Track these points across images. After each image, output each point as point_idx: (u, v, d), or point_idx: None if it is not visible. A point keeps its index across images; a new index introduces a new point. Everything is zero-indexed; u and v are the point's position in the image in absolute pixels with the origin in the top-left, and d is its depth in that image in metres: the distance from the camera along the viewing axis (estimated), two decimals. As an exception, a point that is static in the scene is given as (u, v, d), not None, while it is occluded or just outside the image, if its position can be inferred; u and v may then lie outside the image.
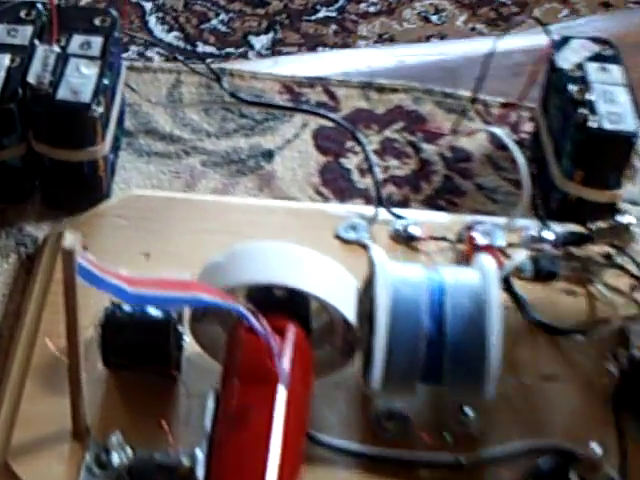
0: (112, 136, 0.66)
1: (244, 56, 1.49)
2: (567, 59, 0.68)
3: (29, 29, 0.65)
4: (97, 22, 0.67)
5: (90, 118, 0.62)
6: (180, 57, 0.76)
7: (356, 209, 0.67)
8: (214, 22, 1.57)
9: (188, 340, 0.56)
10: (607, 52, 0.70)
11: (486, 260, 0.55)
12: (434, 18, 1.63)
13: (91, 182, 0.65)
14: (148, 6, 1.57)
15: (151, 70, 0.76)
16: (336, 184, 0.71)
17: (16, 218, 0.66)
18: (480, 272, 0.55)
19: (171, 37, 1.53)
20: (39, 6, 0.66)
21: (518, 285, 0.62)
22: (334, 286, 0.53)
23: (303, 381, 0.51)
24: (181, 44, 1.52)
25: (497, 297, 0.53)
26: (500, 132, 0.67)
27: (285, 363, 0.49)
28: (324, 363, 0.55)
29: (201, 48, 1.50)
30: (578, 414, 0.57)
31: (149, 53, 1.45)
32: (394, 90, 0.76)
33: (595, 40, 0.70)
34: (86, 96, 0.62)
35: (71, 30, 0.65)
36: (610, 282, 0.63)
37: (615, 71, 0.68)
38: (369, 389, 0.54)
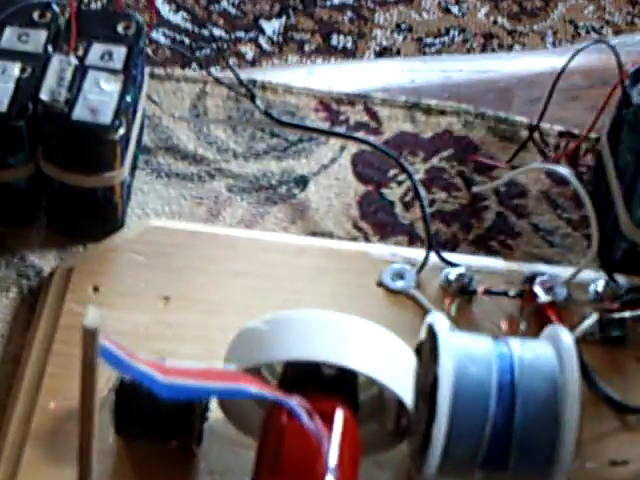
0: (131, 158, 0.58)
1: (255, 41, 1.40)
2: (644, 94, 0.61)
3: (43, 34, 0.57)
4: (120, 29, 0.59)
5: (110, 141, 0.54)
6: (204, 67, 0.67)
7: (402, 252, 0.59)
8: (224, 3, 1.49)
9: (213, 409, 0.49)
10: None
11: (563, 333, 0.48)
12: (454, 9, 1.55)
13: (105, 210, 0.58)
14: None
15: (173, 79, 0.68)
16: (377, 218, 0.63)
17: (18, 244, 0.59)
18: (555, 348, 0.48)
19: (178, 18, 1.45)
20: (55, 7, 0.58)
21: (583, 351, 0.55)
22: (388, 363, 0.46)
23: (351, 472, 0.44)
24: (189, 26, 1.44)
25: (576, 381, 0.46)
26: (566, 172, 0.59)
27: (334, 459, 0.42)
28: (369, 443, 0.48)
29: (209, 31, 1.42)
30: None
31: (154, 35, 1.37)
32: (442, 112, 0.69)
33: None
34: (106, 117, 0.54)
35: (91, 38, 0.57)
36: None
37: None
38: (421, 476, 0.47)
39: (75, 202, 0.57)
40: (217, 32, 1.44)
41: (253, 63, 1.41)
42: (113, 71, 0.56)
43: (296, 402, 0.39)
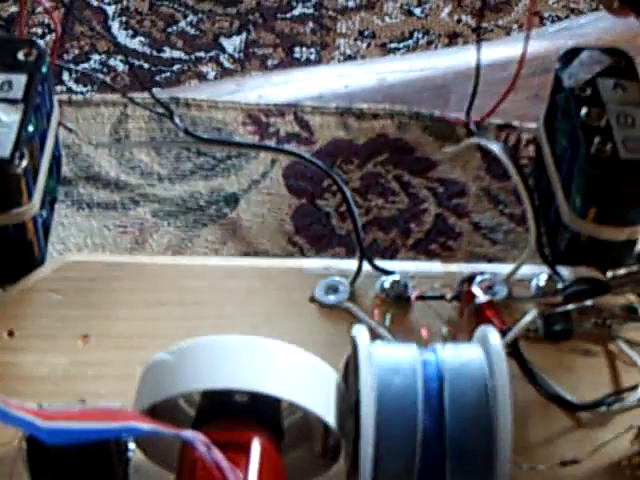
0: (42, 191, 0.55)
1: (216, 60, 1.37)
2: (575, 75, 0.58)
3: None
4: (21, 56, 0.56)
5: (12, 176, 0.52)
6: (121, 88, 0.64)
7: (336, 264, 0.57)
8: (182, 24, 1.46)
9: (134, 448, 0.46)
10: (622, 65, 0.59)
11: (491, 335, 0.45)
12: (417, 11, 1.52)
13: (20, 248, 0.55)
14: (111, 10, 1.46)
15: (92, 104, 0.65)
16: (312, 231, 0.61)
17: None
18: (484, 350, 0.45)
19: (136, 43, 1.42)
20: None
21: (526, 347, 0.52)
22: (303, 382, 0.43)
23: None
24: (147, 50, 1.41)
25: (506, 383, 0.43)
26: (497, 147, 0.57)
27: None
28: (301, 468, 0.46)
29: (168, 53, 1.40)
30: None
31: (112, 62, 1.34)
32: (375, 116, 0.66)
33: (607, 51, 0.60)
34: (5, 150, 0.52)
35: (-12, 68, 0.55)
36: (634, 338, 0.54)
37: (632, 87, 0.58)
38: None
39: (-15, 243, 0.55)
40: (176, 54, 1.42)
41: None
42: (12, 101, 0.54)
43: (191, 435, 0.36)
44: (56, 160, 0.60)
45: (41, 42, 0.57)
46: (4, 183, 0.52)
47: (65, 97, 0.65)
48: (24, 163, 0.52)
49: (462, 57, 0.74)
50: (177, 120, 0.62)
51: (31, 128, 0.54)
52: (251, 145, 0.63)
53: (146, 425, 0.36)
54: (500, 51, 0.67)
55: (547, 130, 0.61)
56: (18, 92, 0.55)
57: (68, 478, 0.45)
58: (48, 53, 0.57)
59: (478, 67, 0.63)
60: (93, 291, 0.54)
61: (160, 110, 0.63)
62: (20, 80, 0.55)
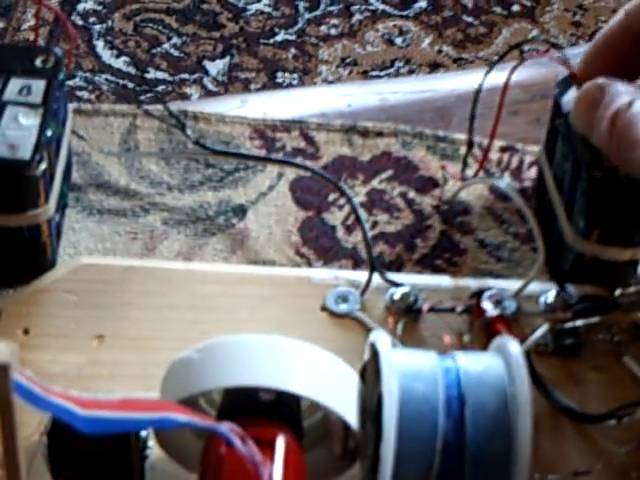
0: (57, 195, 0.56)
1: (199, 82, 1.39)
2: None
3: (-42, 71, 0.55)
4: (39, 63, 0.57)
5: (31, 177, 0.52)
6: (133, 97, 0.65)
7: (345, 274, 0.58)
8: (166, 46, 1.47)
9: (152, 445, 0.47)
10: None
11: (510, 344, 0.46)
12: (398, 40, 1.54)
13: (33, 250, 0.55)
14: (96, 29, 1.46)
15: (102, 114, 0.66)
16: (319, 243, 0.62)
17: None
18: (503, 359, 0.46)
19: (120, 63, 1.43)
20: (-30, 44, 0.56)
21: (537, 363, 0.53)
22: (327, 383, 0.44)
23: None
24: (131, 70, 1.42)
25: (527, 390, 0.44)
26: (504, 184, 0.58)
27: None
28: (318, 468, 0.46)
29: (152, 74, 1.40)
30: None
31: (97, 79, 1.35)
32: (380, 134, 0.67)
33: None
34: (26, 152, 0.52)
35: (8, 72, 0.56)
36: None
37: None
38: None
39: (1, 244, 0.55)
40: (160, 75, 1.42)
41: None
42: (32, 105, 0.54)
43: (227, 428, 0.37)
44: (68, 167, 0.61)
45: (58, 50, 0.58)
46: (24, 184, 0.53)
47: (75, 106, 0.65)
48: (43, 166, 0.53)
49: (462, 81, 0.76)
50: (188, 131, 0.63)
51: (49, 132, 0.54)
52: (261, 158, 0.64)
53: (183, 416, 0.37)
54: (501, 76, 0.68)
55: (548, 154, 0.62)
56: (37, 97, 0.55)
57: (87, 473, 0.46)
58: (64, 61, 0.58)
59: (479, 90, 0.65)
60: (107, 293, 0.55)
61: (172, 122, 0.63)
62: (39, 85, 0.56)
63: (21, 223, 0.54)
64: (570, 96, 0.60)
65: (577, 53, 0.83)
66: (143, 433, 0.46)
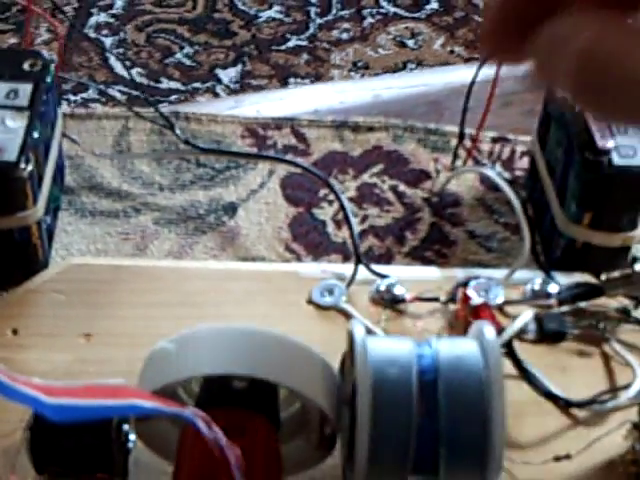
0: (46, 197, 0.57)
1: (212, 90, 1.41)
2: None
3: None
4: (26, 66, 0.58)
5: (18, 179, 0.53)
6: (125, 100, 0.66)
7: (332, 268, 0.58)
8: (178, 56, 1.49)
9: (134, 439, 0.47)
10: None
11: (486, 329, 0.47)
12: (410, 43, 1.55)
13: (25, 252, 0.56)
14: (108, 42, 1.48)
15: (95, 117, 0.67)
16: (309, 239, 0.62)
17: None
18: (479, 344, 0.46)
19: (133, 74, 1.44)
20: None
21: (521, 349, 0.53)
22: (304, 373, 0.44)
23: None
24: (144, 80, 1.43)
25: (500, 373, 0.44)
26: (492, 172, 0.58)
27: (244, 471, 0.40)
28: (298, 458, 0.47)
29: (165, 84, 1.42)
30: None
31: (111, 91, 1.36)
32: (371, 129, 0.68)
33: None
34: (12, 154, 0.53)
35: (-5, 77, 0.57)
36: (627, 339, 0.55)
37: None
38: (351, 486, 0.45)
39: (-9, 246, 0.56)
40: (173, 85, 1.44)
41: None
42: (19, 108, 0.55)
43: (192, 412, 0.37)
44: (60, 170, 0.62)
45: (46, 54, 0.59)
46: (10, 186, 0.54)
47: (68, 110, 0.66)
48: (29, 167, 0.54)
49: (455, 75, 0.76)
50: (178, 131, 0.64)
51: (36, 134, 0.55)
52: (249, 155, 0.65)
53: (149, 403, 0.37)
54: (492, 70, 0.68)
55: (540, 141, 0.62)
56: (24, 100, 0.56)
57: (70, 467, 0.46)
58: (53, 64, 0.59)
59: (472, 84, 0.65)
60: (96, 292, 0.55)
61: (161, 122, 0.64)
62: (26, 89, 0.57)
63: (10, 225, 0.55)
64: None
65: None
66: (125, 427, 0.46)
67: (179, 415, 0.37)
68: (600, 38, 0.27)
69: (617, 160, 0.56)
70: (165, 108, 0.67)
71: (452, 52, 1.57)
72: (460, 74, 0.76)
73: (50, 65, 0.58)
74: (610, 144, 0.56)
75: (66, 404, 0.36)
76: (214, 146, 0.66)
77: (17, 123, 0.55)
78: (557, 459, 0.49)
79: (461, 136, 0.66)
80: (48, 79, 0.58)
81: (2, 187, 0.54)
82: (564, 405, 0.52)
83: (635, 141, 0.57)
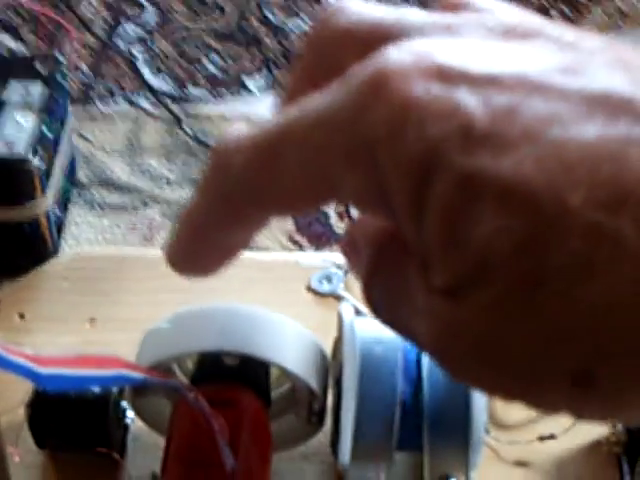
0: (56, 190, 0.59)
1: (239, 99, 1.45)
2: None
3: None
4: (39, 67, 0.61)
5: (27, 172, 0.56)
6: (132, 101, 0.69)
7: (332, 257, 0.60)
8: (206, 65, 1.52)
9: (133, 415, 0.49)
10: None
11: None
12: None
13: (34, 242, 0.59)
14: (137, 51, 1.52)
15: (108, 116, 0.69)
16: (312, 230, 0.64)
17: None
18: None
19: (161, 83, 1.48)
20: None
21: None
22: (292, 350, 0.46)
23: (257, 459, 0.44)
24: (172, 90, 1.47)
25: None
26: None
27: (232, 441, 0.42)
28: (289, 434, 0.49)
29: (193, 92, 1.45)
30: (581, 477, 0.50)
31: (135, 99, 1.40)
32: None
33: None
34: (21, 148, 0.56)
35: (8, 75, 0.59)
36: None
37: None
38: (338, 462, 0.47)
39: (2, 236, 0.58)
40: (200, 93, 1.47)
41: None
42: (30, 106, 0.58)
43: (179, 383, 0.39)
44: (71, 164, 0.64)
45: (59, 55, 0.61)
46: (20, 178, 0.56)
47: (81, 109, 0.69)
48: (37, 161, 0.56)
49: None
50: (186, 128, 0.66)
51: (46, 131, 0.58)
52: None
53: (137, 374, 0.39)
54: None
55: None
56: (35, 98, 0.59)
57: (69, 441, 0.49)
58: (65, 65, 0.62)
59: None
60: (101, 279, 0.58)
61: (172, 121, 0.67)
62: (37, 88, 0.59)
63: (20, 216, 0.58)
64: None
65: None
66: (123, 403, 0.49)
67: (165, 384, 0.39)
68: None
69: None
70: (175, 107, 0.69)
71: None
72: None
73: (61, 66, 0.61)
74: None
75: (57, 373, 0.39)
76: (222, 142, 0.68)
77: (28, 120, 0.57)
78: (541, 439, 0.51)
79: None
80: (59, 79, 0.60)
81: (12, 179, 0.56)
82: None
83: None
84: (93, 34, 1.39)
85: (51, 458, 0.50)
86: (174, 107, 0.69)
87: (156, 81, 1.50)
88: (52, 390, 0.39)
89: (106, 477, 0.49)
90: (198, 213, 0.27)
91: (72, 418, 0.47)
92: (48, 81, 0.60)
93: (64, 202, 0.62)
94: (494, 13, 0.25)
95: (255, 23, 1.28)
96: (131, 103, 0.70)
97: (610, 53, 0.23)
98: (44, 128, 0.58)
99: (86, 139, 0.67)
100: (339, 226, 0.64)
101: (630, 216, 0.20)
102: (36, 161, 0.56)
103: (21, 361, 0.38)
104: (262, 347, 0.45)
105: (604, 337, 0.20)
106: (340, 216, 0.65)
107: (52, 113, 0.59)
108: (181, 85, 1.47)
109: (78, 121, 0.67)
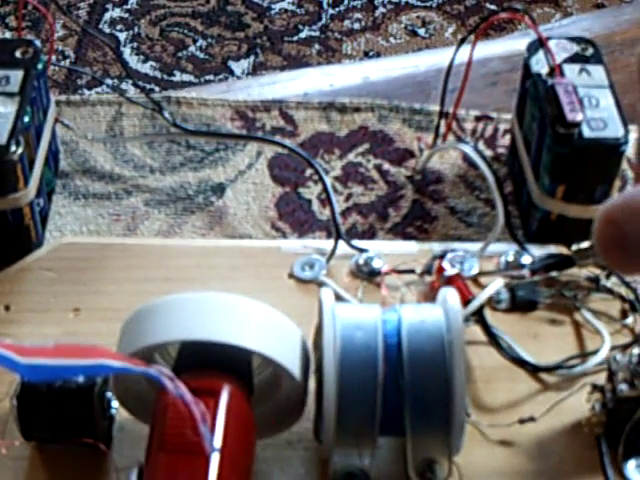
0: (38, 180, 0.59)
1: (224, 82, 1.44)
2: (543, 62, 0.62)
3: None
4: (18, 54, 0.61)
5: (7, 162, 0.56)
6: (114, 87, 0.68)
7: (314, 244, 0.60)
8: (191, 49, 1.51)
9: (118, 406, 0.50)
10: (588, 52, 0.63)
11: (449, 294, 0.48)
12: (421, 31, 1.56)
13: (18, 233, 0.59)
14: (122, 36, 1.51)
15: (89, 103, 0.69)
16: (295, 217, 0.64)
17: None
18: (443, 309, 0.48)
19: (147, 68, 1.47)
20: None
21: (494, 317, 0.55)
22: (273, 337, 0.46)
23: (241, 446, 0.45)
24: (158, 74, 1.46)
25: (461, 336, 0.46)
26: (468, 148, 0.60)
27: (214, 429, 0.42)
28: (272, 421, 0.49)
29: (179, 77, 1.44)
30: (563, 458, 0.51)
31: (124, 86, 1.39)
32: (357, 109, 0.70)
33: (574, 39, 0.63)
34: (2, 137, 0.56)
35: (-13, 64, 0.59)
36: (598, 308, 0.57)
37: (597, 72, 0.62)
38: (322, 448, 0.47)
39: (-15, 228, 0.59)
40: (186, 77, 1.46)
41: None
42: (9, 94, 0.58)
43: (157, 371, 0.39)
44: (54, 154, 0.64)
45: (37, 42, 0.61)
46: (1, 168, 0.56)
47: (64, 98, 0.69)
48: (19, 150, 0.56)
49: (443, 56, 0.78)
50: (167, 115, 0.66)
51: (27, 119, 0.57)
52: (237, 136, 0.67)
53: (117, 362, 0.40)
54: (479, 50, 0.70)
55: (519, 117, 0.64)
56: (15, 86, 0.59)
57: (55, 433, 0.49)
58: (44, 52, 0.61)
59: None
60: (85, 269, 0.58)
61: (151, 106, 0.67)
62: (17, 75, 0.59)
63: (3, 207, 0.58)
64: (539, 58, 0.62)
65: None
66: (107, 394, 0.49)
67: (145, 373, 0.39)
68: None
69: (587, 133, 0.57)
70: (157, 94, 0.69)
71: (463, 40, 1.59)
72: (446, 55, 0.78)
73: (41, 53, 0.61)
74: (579, 117, 0.57)
75: (38, 363, 0.39)
76: (204, 129, 0.68)
77: (8, 108, 0.57)
78: (522, 421, 0.51)
79: (443, 115, 0.67)
80: (39, 66, 0.60)
81: (-7, 169, 0.56)
82: (532, 370, 0.54)
83: (605, 114, 0.59)
84: (76, 19, 1.39)
85: (38, 450, 0.50)
86: (157, 94, 0.68)
87: (140, 66, 1.50)
88: (33, 380, 0.39)
89: (93, 468, 0.50)
90: None
91: (58, 410, 0.47)
92: (28, 68, 0.60)
93: (48, 193, 0.62)
94: None
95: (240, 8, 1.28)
96: (114, 89, 0.70)
97: None
98: (25, 116, 0.57)
99: (68, 127, 0.66)
100: (322, 212, 0.64)
101: None
102: (18, 151, 0.56)
103: (1, 351, 0.39)
104: (243, 335, 0.45)
105: None
106: (323, 203, 0.65)
107: (33, 101, 0.59)
108: (166, 70, 1.47)
109: (59, 108, 0.67)
